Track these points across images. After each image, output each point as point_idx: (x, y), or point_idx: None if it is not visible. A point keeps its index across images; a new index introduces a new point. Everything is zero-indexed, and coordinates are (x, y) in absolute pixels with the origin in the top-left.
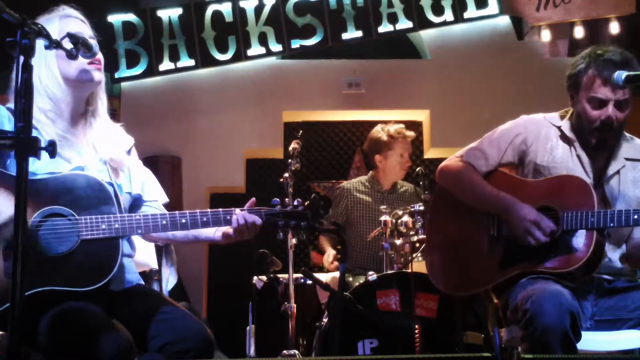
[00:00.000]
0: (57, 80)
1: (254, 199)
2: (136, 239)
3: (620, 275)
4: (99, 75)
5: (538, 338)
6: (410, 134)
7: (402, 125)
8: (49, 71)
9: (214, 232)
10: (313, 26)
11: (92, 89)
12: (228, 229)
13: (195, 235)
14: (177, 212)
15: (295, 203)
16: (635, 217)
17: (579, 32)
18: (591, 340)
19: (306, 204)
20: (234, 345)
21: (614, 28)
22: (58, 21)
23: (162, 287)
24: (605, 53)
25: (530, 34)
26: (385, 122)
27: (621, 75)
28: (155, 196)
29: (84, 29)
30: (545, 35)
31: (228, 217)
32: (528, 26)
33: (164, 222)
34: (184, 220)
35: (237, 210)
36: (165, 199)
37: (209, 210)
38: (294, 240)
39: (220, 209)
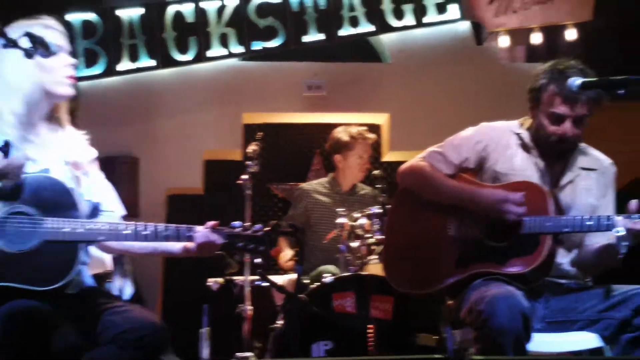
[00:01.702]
0: (37, 87)
1: (217, 222)
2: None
3: (570, 278)
4: (73, 90)
5: (491, 339)
6: (372, 136)
7: (364, 128)
8: (30, 78)
9: (174, 245)
10: (275, 28)
11: (64, 99)
12: (189, 244)
13: (153, 247)
14: (140, 223)
15: (256, 227)
16: (589, 223)
17: (536, 38)
18: (542, 342)
19: (266, 229)
20: (188, 348)
21: (571, 34)
22: (43, 30)
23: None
24: (567, 70)
25: (489, 39)
26: (348, 124)
27: (574, 81)
28: (113, 208)
29: (65, 44)
30: (504, 41)
31: (189, 234)
32: (487, 31)
33: (128, 232)
34: (146, 232)
35: (199, 228)
36: (124, 212)
37: (172, 225)
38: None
39: (183, 225)
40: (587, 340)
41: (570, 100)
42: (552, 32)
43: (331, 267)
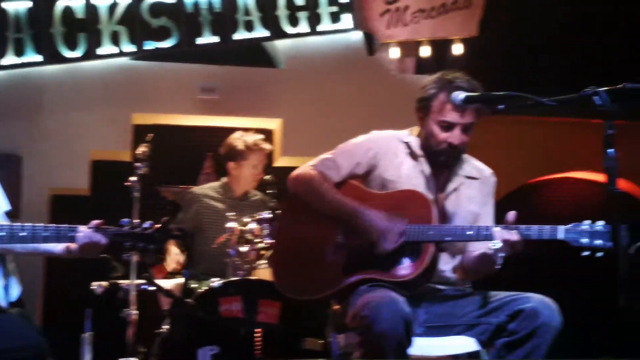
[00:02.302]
0: None
1: (102, 220)
2: None
3: (451, 284)
4: None
5: (374, 344)
6: (268, 147)
7: (261, 137)
8: None
9: (55, 246)
10: (168, 28)
11: None
12: (72, 245)
13: (34, 246)
14: (17, 224)
15: (145, 225)
16: (469, 233)
17: (425, 51)
18: (423, 346)
19: (156, 226)
20: (70, 354)
21: (458, 49)
22: None
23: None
24: (455, 80)
25: (380, 50)
26: (244, 130)
27: (458, 95)
28: None
29: None
30: (394, 52)
31: (71, 234)
32: (378, 42)
33: (2, 233)
34: (23, 234)
35: (82, 228)
36: (7, 207)
37: (51, 225)
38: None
39: (64, 225)
40: (465, 344)
41: (460, 108)
42: (440, 46)
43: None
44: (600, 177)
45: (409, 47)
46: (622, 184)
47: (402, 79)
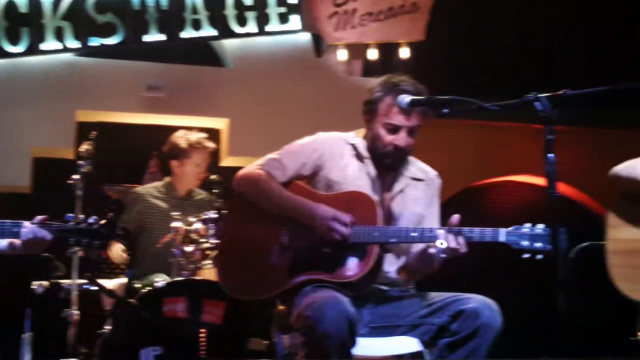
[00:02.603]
0: None
1: (46, 216)
2: None
3: (395, 285)
4: None
5: (318, 344)
6: (211, 145)
7: (204, 135)
8: None
9: None
10: (114, 25)
11: None
12: (15, 240)
13: None
14: None
15: (90, 220)
16: (413, 235)
17: (372, 54)
18: (367, 346)
19: (102, 222)
20: (10, 354)
21: (404, 53)
22: None
23: None
24: (401, 83)
25: (328, 52)
26: (189, 129)
27: (404, 99)
28: None
29: None
30: (342, 55)
31: (15, 230)
32: (326, 44)
33: None
34: None
35: (26, 223)
36: None
37: None
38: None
39: (8, 220)
40: (409, 344)
41: (406, 111)
42: (387, 49)
43: (161, 276)
44: (541, 181)
45: (357, 50)
46: (563, 188)
47: (349, 81)
